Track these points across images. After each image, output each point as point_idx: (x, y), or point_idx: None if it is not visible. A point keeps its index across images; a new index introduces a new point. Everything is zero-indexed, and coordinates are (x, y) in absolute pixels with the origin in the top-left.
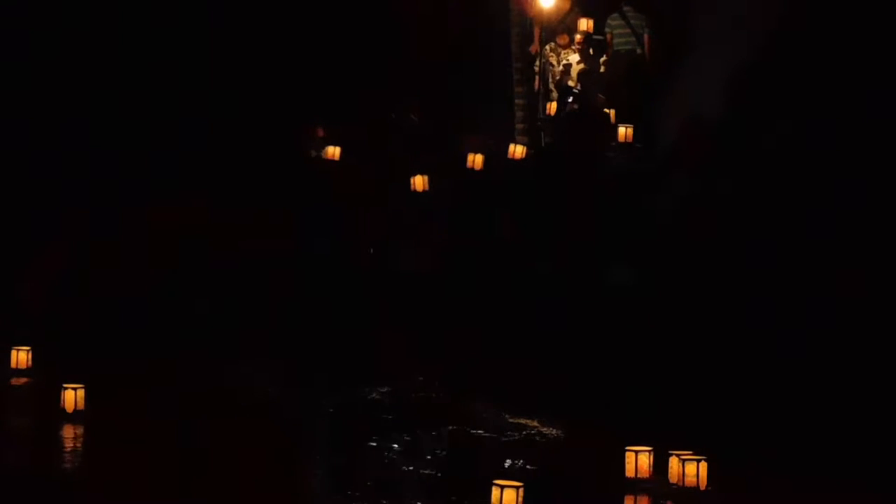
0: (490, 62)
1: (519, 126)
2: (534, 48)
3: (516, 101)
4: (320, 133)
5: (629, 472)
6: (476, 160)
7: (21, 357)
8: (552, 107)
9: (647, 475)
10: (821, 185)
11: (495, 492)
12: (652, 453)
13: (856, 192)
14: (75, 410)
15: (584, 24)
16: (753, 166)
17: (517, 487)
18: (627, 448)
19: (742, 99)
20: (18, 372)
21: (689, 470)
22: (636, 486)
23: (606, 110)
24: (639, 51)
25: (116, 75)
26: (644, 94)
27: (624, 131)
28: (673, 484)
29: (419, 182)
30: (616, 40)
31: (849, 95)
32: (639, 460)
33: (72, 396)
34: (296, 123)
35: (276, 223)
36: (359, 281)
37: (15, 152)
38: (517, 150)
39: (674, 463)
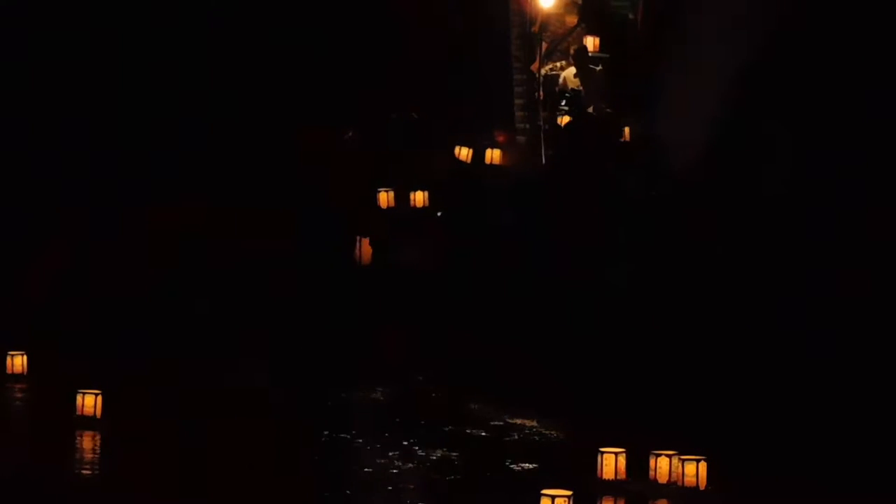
0: (490, 62)
1: (519, 127)
2: (535, 66)
3: (516, 101)
4: (350, 135)
5: (608, 473)
6: (461, 152)
7: (17, 362)
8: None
9: (623, 477)
10: (820, 185)
11: (545, 502)
12: (625, 454)
13: (856, 192)
14: (91, 415)
15: (591, 42)
16: (753, 166)
17: (566, 497)
18: (602, 450)
19: (742, 98)
20: (15, 377)
21: (689, 470)
22: (624, 487)
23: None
24: (631, 16)
25: (116, 75)
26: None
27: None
28: (659, 484)
29: (383, 199)
30: (613, 2)
31: (849, 95)
32: (618, 462)
33: (90, 402)
34: (294, 123)
35: (276, 223)
36: (358, 279)
37: (15, 152)
38: (494, 155)
39: (662, 463)
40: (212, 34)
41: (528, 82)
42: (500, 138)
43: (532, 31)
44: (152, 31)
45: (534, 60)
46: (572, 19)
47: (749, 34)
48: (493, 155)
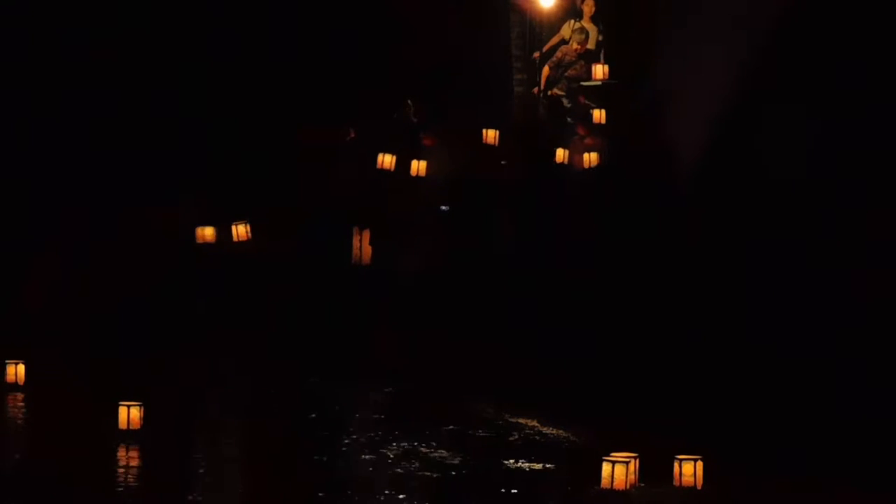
0: (490, 62)
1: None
2: (536, 90)
3: (516, 101)
4: (352, 134)
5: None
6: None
7: (11, 371)
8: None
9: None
10: (821, 186)
11: None
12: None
13: (856, 192)
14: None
15: (601, 70)
16: (753, 166)
17: None
18: (606, 459)
19: (742, 98)
20: (15, 387)
21: (686, 469)
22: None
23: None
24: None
25: (116, 75)
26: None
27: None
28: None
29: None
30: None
31: (849, 95)
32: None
33: (125, 413)
34: (295, 122)
35: (276, 223)
36: (358, 279)
37: (15, 152)
38: (385, 160)
39: (622, 468)
40: (212, 34)
41: (528, 83)
42: (427, 142)
43: (535, 35)
44: (152, 31)
45: (536, 84)
46: (581, 48)
47: (749, 33)
48: (419, 166)
